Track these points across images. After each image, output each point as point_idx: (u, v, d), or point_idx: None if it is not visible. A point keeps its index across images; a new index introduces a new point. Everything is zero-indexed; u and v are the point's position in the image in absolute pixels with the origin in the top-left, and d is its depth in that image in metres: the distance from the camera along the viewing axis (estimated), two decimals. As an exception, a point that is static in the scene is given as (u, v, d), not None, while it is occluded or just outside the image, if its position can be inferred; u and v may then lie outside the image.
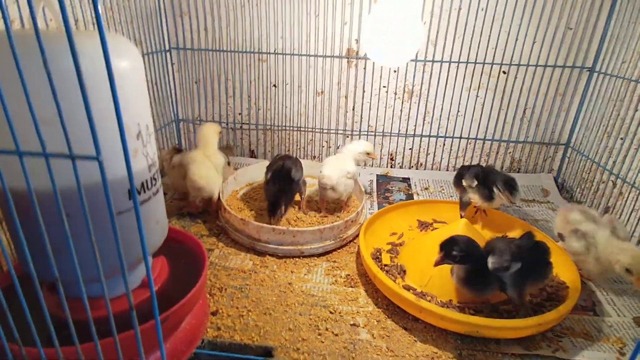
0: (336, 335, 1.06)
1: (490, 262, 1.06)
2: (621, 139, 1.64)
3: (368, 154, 1.73)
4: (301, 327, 1.08)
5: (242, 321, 1.09)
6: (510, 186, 1.43)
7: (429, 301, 1.14)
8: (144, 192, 0.78)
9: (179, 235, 1.15)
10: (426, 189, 1.97)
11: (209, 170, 1.55)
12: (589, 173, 1.84)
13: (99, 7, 0.44)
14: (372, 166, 2.20)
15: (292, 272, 1.32)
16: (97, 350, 0.61)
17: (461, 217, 1.51)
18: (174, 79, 2.10)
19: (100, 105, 0.62)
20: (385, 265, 1.34)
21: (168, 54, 2.03)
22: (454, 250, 1.06)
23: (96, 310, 0.81)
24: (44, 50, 0.45)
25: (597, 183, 1.77)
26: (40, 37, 0.44)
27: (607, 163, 1.71)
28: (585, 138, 1.88)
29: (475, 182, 1.46)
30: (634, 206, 1.53)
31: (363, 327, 1.09)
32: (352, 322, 1.10)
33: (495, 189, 1.44)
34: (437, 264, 1.09)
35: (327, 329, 1.07)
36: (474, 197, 1.48)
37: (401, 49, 1.53)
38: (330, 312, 1.14)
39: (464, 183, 1.50)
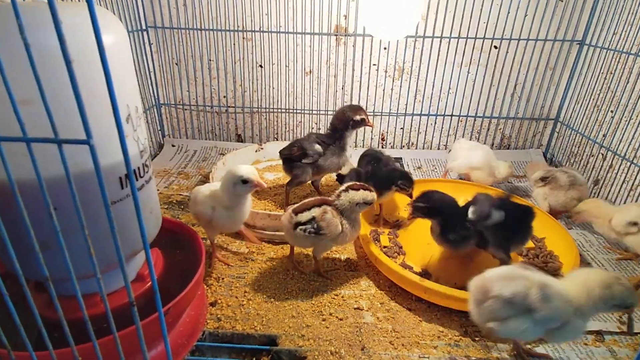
0: (341, 319, 1.03)
1: (471, 211, 1.08)
2: (611, 111, 1.65)
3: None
4: (304, 314, 1.05)
5: (242, 310, 1.05)
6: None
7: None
8: (136, 180, 0.72)
9: (172, 225, 1.09)
10: (419, 168, 1.95)
11: None
12: (578, 147, 1.85)
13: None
14: (362, 147, 2.16)
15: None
16: (96, 350, 0.56)
17: None
18: (152, 60, 1.99)
19: (87, 85, 0.56)
20: (385, 246, 1.32)
21: (145, 33, 1.91)
22: (420, 202, 1.11)
23: (88, 309, 0.76)
24: (22, 25, 0.39)
25: (587, 156, 1.79)
26: (17, 8, 0.38)
27: (597, 136, 1.72)
28: (575, 112, 1.89)
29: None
30: (624, 178, 1.55)
31: (367, 310, 1.07)
32: (355, 306, 1.08)
33: None
34: (408, 217, 1.15)
35: (331, 314, 1.05)
36: None
37: (401, 21, 1.47)
38: (333, 297, 1.11)
39: None
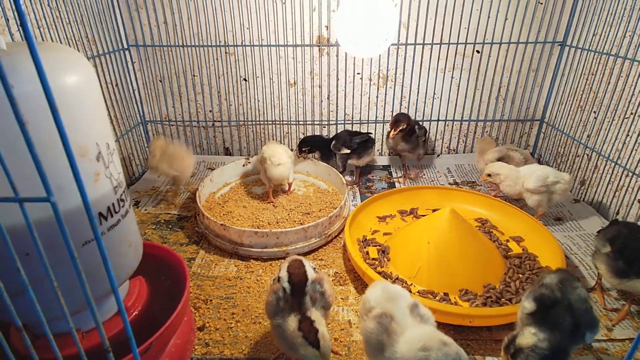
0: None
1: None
2: (594, 112, 1.66)
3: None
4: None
5: (231, 334, 1.05)
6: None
7: (419, 293, 1.14)
8: (112, 216, 0.72)
9: (155, 250, 1.09)
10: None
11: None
12: (564, 147, 1.86)
13: (22, 7, 0.36)
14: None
15: (279, 275, 1.28)
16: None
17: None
18: (136, 78, 1.98)
19: (53, 131, 0.55)
20: (374, 259, 1.32)
21: (127, 52, 1.90)
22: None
23: (73, 347, 0.76)
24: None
25: (573, 157, 1.80)
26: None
27: (582, 137, 1.73)
28: (560, 113, 1.90)
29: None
30: (609, 179, 1.56)
31: (356, 328, 1.07)
32: (344, 323, 1.08)
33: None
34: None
35: (319, 333, 1.04)
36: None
37: (377, 39, 1.48)
38: (322, 315, 1.11)
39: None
